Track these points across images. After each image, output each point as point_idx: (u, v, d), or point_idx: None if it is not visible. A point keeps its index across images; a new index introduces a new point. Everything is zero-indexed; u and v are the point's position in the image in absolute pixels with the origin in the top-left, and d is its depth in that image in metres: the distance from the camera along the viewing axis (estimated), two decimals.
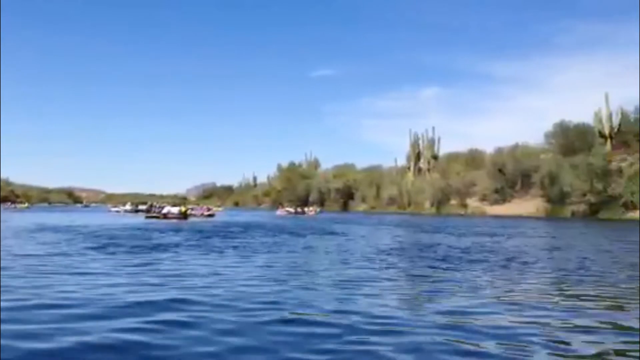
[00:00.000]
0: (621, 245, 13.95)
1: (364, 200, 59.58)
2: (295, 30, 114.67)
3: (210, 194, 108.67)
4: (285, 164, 77.08)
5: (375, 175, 60.15)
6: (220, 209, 50.71)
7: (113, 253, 9.73)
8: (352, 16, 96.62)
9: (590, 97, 78.66)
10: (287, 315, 4.56)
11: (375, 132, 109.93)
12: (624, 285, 6.80)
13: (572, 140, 43.72)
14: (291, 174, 71.74)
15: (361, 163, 73.96)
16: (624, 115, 42.59)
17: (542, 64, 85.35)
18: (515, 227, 23.93)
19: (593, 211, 37.07)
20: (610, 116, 42.24)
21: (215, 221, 26.79)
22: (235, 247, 11.32)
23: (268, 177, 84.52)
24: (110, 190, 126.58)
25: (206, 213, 34.06)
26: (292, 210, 44.70)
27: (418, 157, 57.39)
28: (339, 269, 7.87)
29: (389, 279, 6.91)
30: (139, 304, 4.90)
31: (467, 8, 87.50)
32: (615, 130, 42.02)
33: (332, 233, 17.72)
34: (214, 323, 4.21)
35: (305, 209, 44.90)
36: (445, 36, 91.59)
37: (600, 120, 42.60)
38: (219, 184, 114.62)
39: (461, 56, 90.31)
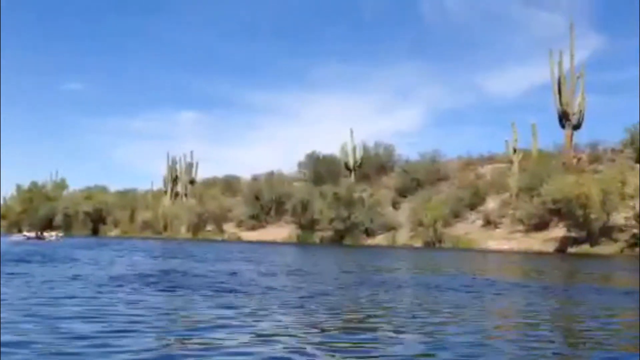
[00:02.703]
0: (350, 267, 14.89)
1: (116, 224, 56.02)
2: (45, 38, 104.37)
3: None
4: (26, 184, 68.95)
5: (129, 199, 57.07)
6: None
7: None
8: (110, 31, 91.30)
9: (338, 131, 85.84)
10: None
11: (130, 154, 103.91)
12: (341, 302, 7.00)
13: (321, 170, 46.84)
14: (33, 195, 64.47)
15: (115, 185, 69.60)
16: (365, 150, 46.96)
17: (297, 97, 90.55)
18: (263, 252, 24.37)
19: (339, 237, 39.68)
20: (354, 150, 46.12)
21: None
22: None
23: (4, 199, 74.70)
24: None
25: None
26: (31, 235, 39.85)
27: (175, 181, 55.95)
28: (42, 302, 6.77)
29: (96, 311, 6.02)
30: None
31: (224, 35, 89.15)
32: (359, 163, 45.99)
33: (66, 260, 15.85)
34: None
35: (45, 234, 40.38)
36: (205, 61, 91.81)
37: (346, 153, 46.23)
38: None
39: (220, 82, 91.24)
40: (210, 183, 54.71)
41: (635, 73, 72.39)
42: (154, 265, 14.15)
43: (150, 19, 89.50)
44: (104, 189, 63.07)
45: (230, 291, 8.54)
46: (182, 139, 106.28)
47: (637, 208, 28.25)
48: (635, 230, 28.40)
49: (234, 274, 11.88)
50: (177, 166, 56.56)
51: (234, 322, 5.68)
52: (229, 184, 53.26)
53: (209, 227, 48.76)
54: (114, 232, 54.52)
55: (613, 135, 57.51)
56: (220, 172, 57.90)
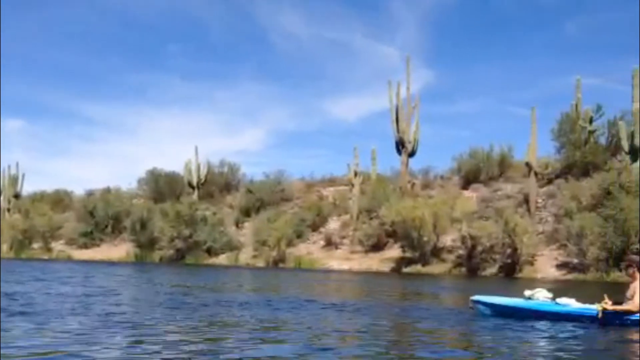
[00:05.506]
0: (176, 288, 14.16)
1: None
2: None
3: None
4: None
5: None
6: None
7: None
8: None
9: (180, 148, 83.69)
10: None
11: None
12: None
13: (163, 187, 45.06)
14: None
15: None
16: (210, 168, 45.93)
17: (137, 112, 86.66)
18: (93, 272, 22.81)
19: (180, 256, 38.25)
20: (199, 168, 44.90)
21: None
22: None
23: None
24: None
25: None
26: None
27: None
28: None
29: None
30: None
31: (58, 43, 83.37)
32: (203, 181, 44.82)
33: None
34: None
35: None
36: (35, 68, 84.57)
37: (189, 171, 44.86)
38: None
39: (51, 92, 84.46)
40: (38, 197, 50.08)
41: (461, 107, 79.39)
42: None
43: None
44: None
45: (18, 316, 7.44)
46: (6, 149, 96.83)
47: (463, 231, 30.20)
48: (461, 252, 30.35)
49: (31, 296, 10.59)
50: (0, 179, 51.21)
51: None
52: (60, 199, 49.29)
53: (36, 245, 44.56)
54: None
55: (442, 163, 62.11)
56: (49, 186, 53.40)
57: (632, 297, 8.26)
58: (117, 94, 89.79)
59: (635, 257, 9.00)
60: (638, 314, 8.27)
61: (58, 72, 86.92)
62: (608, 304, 8.33)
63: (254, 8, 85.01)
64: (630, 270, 8.46)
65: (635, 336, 7.66)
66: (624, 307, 8.30)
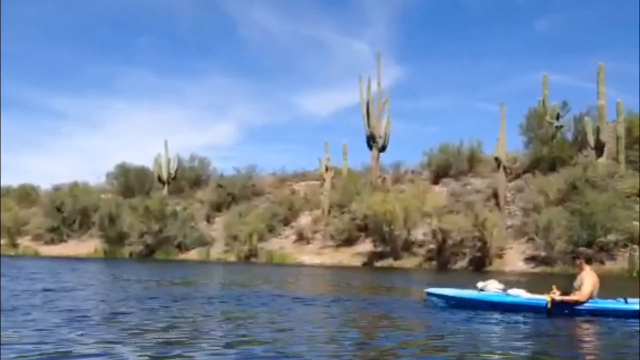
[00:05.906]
0: (139, 284, 14.08)
1: None
2: None
3: None
4: None
5: None
6: None
7: None
8: None
9: (152, 142, 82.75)
10: None
11: None
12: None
13: (132, 182, 44.54)
14: None
15: None
16: (180, 163, 45.48)
17: (105, 105, 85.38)
18: (59, 268, 22.40)
19: (150, 251, 37.91)
20: (169, 162, 44.44)
21: None
22: None
23: None
24: None
25: None
26: None
27: None
28: None
29: None
30: None
31: (22, 35, 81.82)
32: (173, 176, 44.39)
33: None
34: None
35: None
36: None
37: (160, 166, 44.35)
38: None
39: (16, 84, 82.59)
40: (3, 192, 48.96)
41: (431, 102, 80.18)
42: None
43: None
44: None
45: None
46: None
47: (433, 225, 30.49)
48: (432, 246, 30.64)
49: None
50: None
51: None
52: (26, 194, 48.33)
53: (2, 241, 43.70)
54: None
55: (413, 158, 62.53)
56: (15, 181, 52.36)
57: (580, 287, 8.51)
58: (86, 88, 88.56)
59: (582, 250, 9.26)
60: (586, 304, 8.47)
61: (26, 65, 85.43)
62: (556, 294, 8.56)
63: (225, 2, 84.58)
64: (578, 262, 8.78)
65: (582, 325, 7.86)
66: (572, 297, 8.48)
